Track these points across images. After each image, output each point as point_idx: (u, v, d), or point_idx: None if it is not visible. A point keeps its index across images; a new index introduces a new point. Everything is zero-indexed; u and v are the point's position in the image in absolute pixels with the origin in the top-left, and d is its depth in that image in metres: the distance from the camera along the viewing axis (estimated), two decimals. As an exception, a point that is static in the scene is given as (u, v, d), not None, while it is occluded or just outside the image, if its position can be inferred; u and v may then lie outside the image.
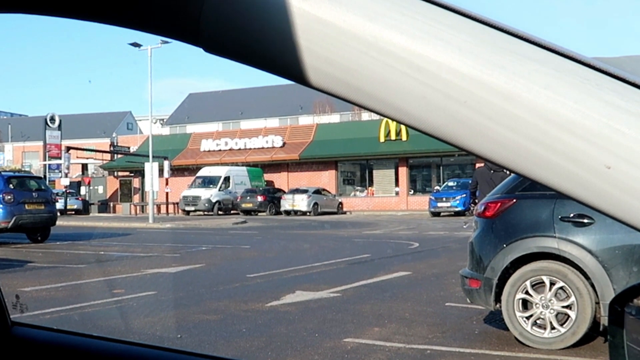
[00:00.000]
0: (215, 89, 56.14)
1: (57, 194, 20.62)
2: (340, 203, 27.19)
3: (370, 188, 29.53)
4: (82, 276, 7.53)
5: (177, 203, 28.27)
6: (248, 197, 26.46)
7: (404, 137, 27.41)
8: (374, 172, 29.57)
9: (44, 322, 4.47)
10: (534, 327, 4.04)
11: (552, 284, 4.02)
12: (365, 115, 33.66)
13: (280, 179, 30.59)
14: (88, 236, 14.42)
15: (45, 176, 28.75)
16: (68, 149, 29.14)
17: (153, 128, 24.93)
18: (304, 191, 25.66)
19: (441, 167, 28.39)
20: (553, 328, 3.99)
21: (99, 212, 30.65)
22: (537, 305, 4.03)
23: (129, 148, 34.24)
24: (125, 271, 7.92)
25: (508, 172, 5.43)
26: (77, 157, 33.32)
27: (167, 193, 27.62)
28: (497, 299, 4.15)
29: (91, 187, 33.16)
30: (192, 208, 26.83)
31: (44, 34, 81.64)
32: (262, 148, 30.94)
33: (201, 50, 0.40)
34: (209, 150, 32.04)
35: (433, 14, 0.36)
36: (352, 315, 5.06)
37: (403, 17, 0.36)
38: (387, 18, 0.36)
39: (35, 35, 78.91)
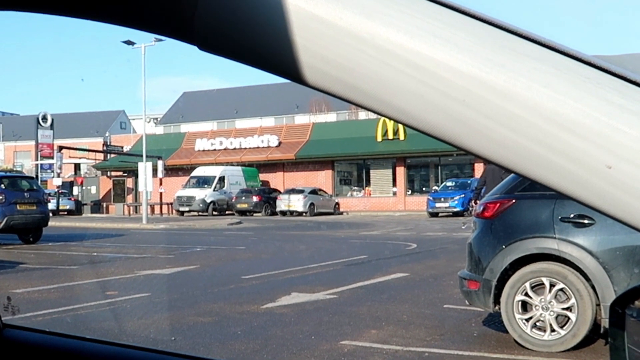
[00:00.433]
0: (210, 87, 56.07)
1: (49, 194, 20.50)
2: (337, 203, 27.13)
3: (367, 188, 29.46)
4: (74, 278, 7.50)
5: (171, 203, 28.15)
6: (243, 198, 26.36)
7: (401, 137, 27.34)
8: (371, 172, 29.48)
9: (36, 325, 4.49)
10: (533, 330, 4.00)
11: (552, 285, 3.99)
12: (363, 115, 33.62)
13: (276, 179, 30.52)
14: (81, 237, 14.38)
15: (37, 176, 28.60)
16: (60, 148, 28.92)
17: (147, 127, 24.81)
18: (300, 191, 25.58)
19: (439, 167, 28.35)
20: (553, 330, 3.96)
21: (91, 212, 30.46)
22: (537, 307, 4.00)
23: (122, 147, 34.10)
24: (119, 272, 7.87)
25: None
26: (70, 157, 33.14)
27: (161, 193, 27.50)
28: (496, 301, 4.12)
29: (84, 187, 32.96)
30: (187, 208, 26.73)
31: (36, 31, 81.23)
32: (258, 147, 30.85)
33: (195, 48, 0.40)
34: (203, 150, 31.93)
35: (431, 11, 0.36)
36: (348, 317, 5.03)
37: (401, 14, 0.35)
38: (385, 15, 0.35)
39: (27, 32, 78.53)
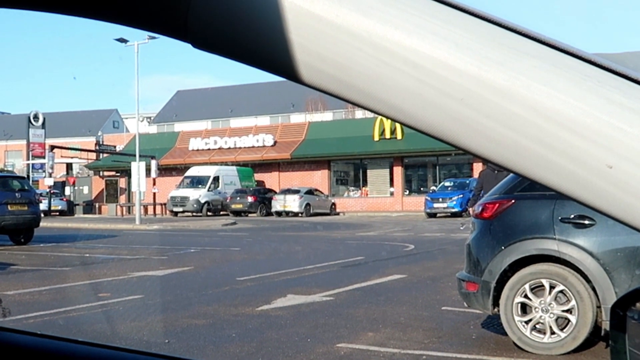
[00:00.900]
0: (204, 86, 55.74)
1: (40, 195, 20.34)
2: (333, 204, 27.05)
3: (364, 188, 29.36)
4: (66, 279, 7.46)
5: (165, 204, 28.02)
6: (238, 198, 26.27)
7: (399, 136, 27.25)
8: (368, 171, 29.40)
9: (28, 327, 4.43)
10: (533, 332, 3.97)
11: (552, 287, 3.96)
12: (359, 113, 33.50)
13: (271, 179, 30.44)
14: (73, 238, 14.30)
15: (28, 176, 28.41)
16: (52, 147, 28.71)
17: (140, 126, 24.69)
18: (296, 191, 25.49)
19: (437, 167, 28.32)
20: (553, 333, 3.93)
21: (84, 213, 30.28)
22: (537, 309, 3.97)
23: (115, 147, 33.92)
24: (111, 274, 7.81)
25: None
26: (62, 157, 32.97)
27: (154, 193, 27.32)
28: (495, 303, 4.09)
29: (76, 188, 32.75)
30: (180, 209, 26.63)
31: (27, 28, 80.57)
32: (253, 147, 30.75)
33: (189, 46, 0.40)
34: (197, 149, 31.81)
35: (429, 9, 0.35)
36: (345, 319, 5.00)
37: (398, 11, 0.35)
38: (382, 13, 0.35)
39: (18, 30, 77.99)
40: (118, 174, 33.06)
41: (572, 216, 3.90)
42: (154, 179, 25.57)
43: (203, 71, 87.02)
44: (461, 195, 21.52)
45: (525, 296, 4.00)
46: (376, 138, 27.96)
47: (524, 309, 4.01)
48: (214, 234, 15.69)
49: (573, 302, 3.88)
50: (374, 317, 5.08)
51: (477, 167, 25.01)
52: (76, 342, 0.78)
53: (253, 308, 5.42)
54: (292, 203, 24.88)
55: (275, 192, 26.92)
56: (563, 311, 3.92)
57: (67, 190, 31.76)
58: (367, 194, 29.11)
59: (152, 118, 47.19)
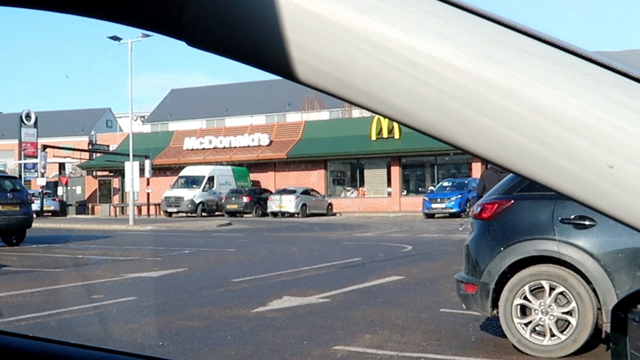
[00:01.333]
0: (199, 84, 55.34)
1: (33, 195, 20.15)
2: (330, 204, 26.96)
3: (361, 188, 29.25)
4: (59, 281, 7.39)
5: (159, 204, 27.90)
6: (233, 198, 26.19)
7: (396, 135, 27.15)
8: (365, 171, 29.28)
9: (20, 329, 4.44)
10: (532, 334, 3.94)
11: (551, 289, 3.93)
12: (356, 112, 33.46)
13: (266, 179, 30.35)
14: (65, 239, 14.24)
15: (20, 176, 28.24)
16: (44, 147, 28.50)
17: (133, 125, 24.59)
18: (292, 192, 25.41)
19: (435, 167, 28.28)
20: (553, 335, 3.90)
21: (76, 213, 30.10)
22: (536, 311, 3.94)
23: (108, 146, 33.75)
24: (105, 275, 7.77)
25: None
26: (54, 156, 32.78)
27: (148, 194, 27.17)
28: (494, 305, 4.06)
29: (69, 188, 32.56)
30: (175, 209, 26.54)
31: (19, 26, 79.97)
32: (248, 146, 30.65)
33: (184, 44, 0.39)
34: (192, 149, 31.69)
35: (427, 6, 0.35)
36: (342, 321, 4.97)
37: (396, 9, 0.35)
38: (379, 10, 0.35)
39: (10, 27, 77.24)
40: (111, 174, 32.90)
41: (573, 217, 3.87)
42: (147, 179, 25.43)
43: (198, 69, 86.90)
44: (460, 196, 21.51)
45: (525, 298, 3.97)
46: (373, 137, 27.91)
47: (524, 310, 3.98)
48: (208, 235, 15.64)
49: (573, 304, 3.85)
50: (371, 319, 5.05)
51: (476, 167, 25.07)
52: (69, 345, 0.78)
53: (248, 310, 5.39)
54: (288, 203, 24.83)
55: (271, 192, 26.85)
56: (563, 313, 3.89)
57: (60, 191, 31.57)
58: (364, 194, 29.02)
59: (146, 117, 47.02)
